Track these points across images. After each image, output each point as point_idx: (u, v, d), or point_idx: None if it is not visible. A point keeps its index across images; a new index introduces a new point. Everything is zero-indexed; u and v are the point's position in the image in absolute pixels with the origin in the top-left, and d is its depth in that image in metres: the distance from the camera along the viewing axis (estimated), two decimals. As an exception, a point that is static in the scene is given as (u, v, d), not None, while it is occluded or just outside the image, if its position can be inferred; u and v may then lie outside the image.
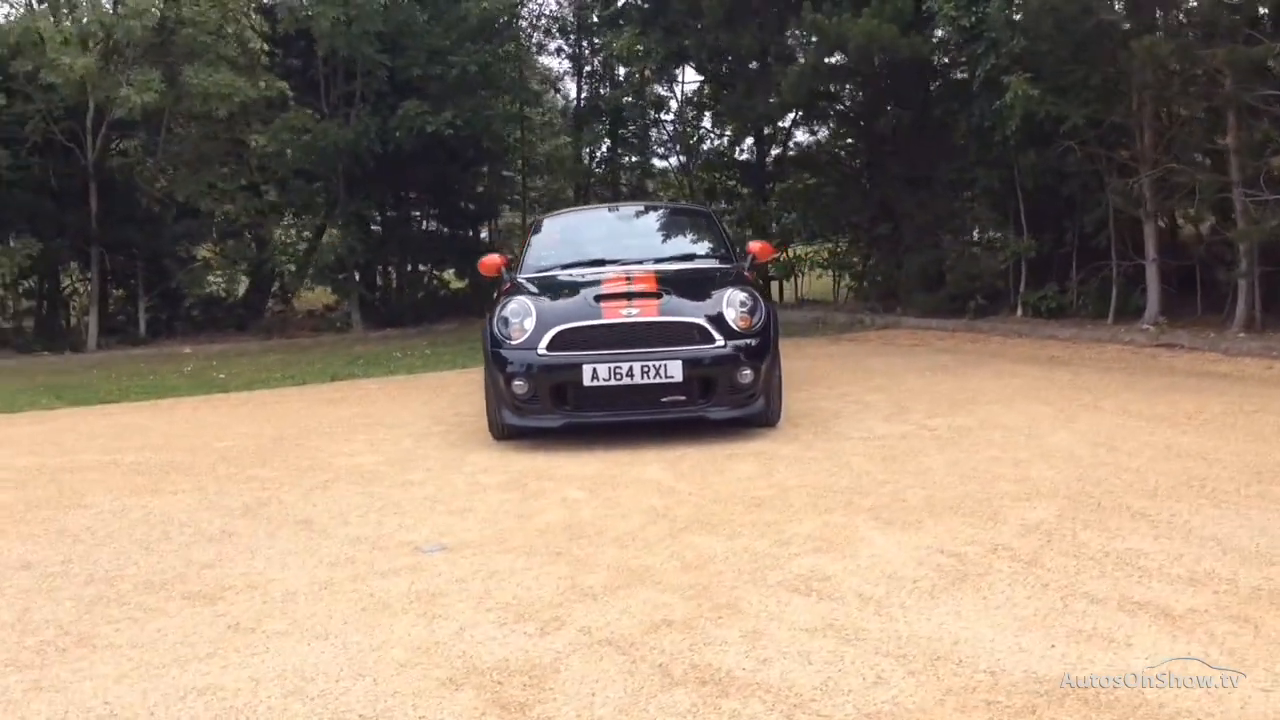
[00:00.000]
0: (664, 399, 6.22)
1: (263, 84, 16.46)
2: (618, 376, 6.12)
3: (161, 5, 13.23)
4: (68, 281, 16.82)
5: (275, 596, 3.88)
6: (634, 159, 19.85)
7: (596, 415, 6.26)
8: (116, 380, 11.36)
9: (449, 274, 19.66)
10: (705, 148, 18.52)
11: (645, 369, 6.12)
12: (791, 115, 16.18)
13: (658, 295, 6.41)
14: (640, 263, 7.19)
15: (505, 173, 18.92)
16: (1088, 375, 8.40)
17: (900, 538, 4.22)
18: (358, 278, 17.70)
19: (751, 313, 6.41)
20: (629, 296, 6.40)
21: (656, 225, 8.06)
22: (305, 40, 15.70)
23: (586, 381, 6.13)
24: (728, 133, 17.93)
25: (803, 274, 16.62)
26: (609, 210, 8.40)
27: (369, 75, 14.94)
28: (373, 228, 17.83)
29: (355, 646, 3.36)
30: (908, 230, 13.97)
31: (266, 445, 6.93)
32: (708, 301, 6.44)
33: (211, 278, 17.19)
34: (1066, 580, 3.64)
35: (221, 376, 11.38)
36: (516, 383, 6.28)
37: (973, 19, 11.18)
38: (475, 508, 5.05)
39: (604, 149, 18.20)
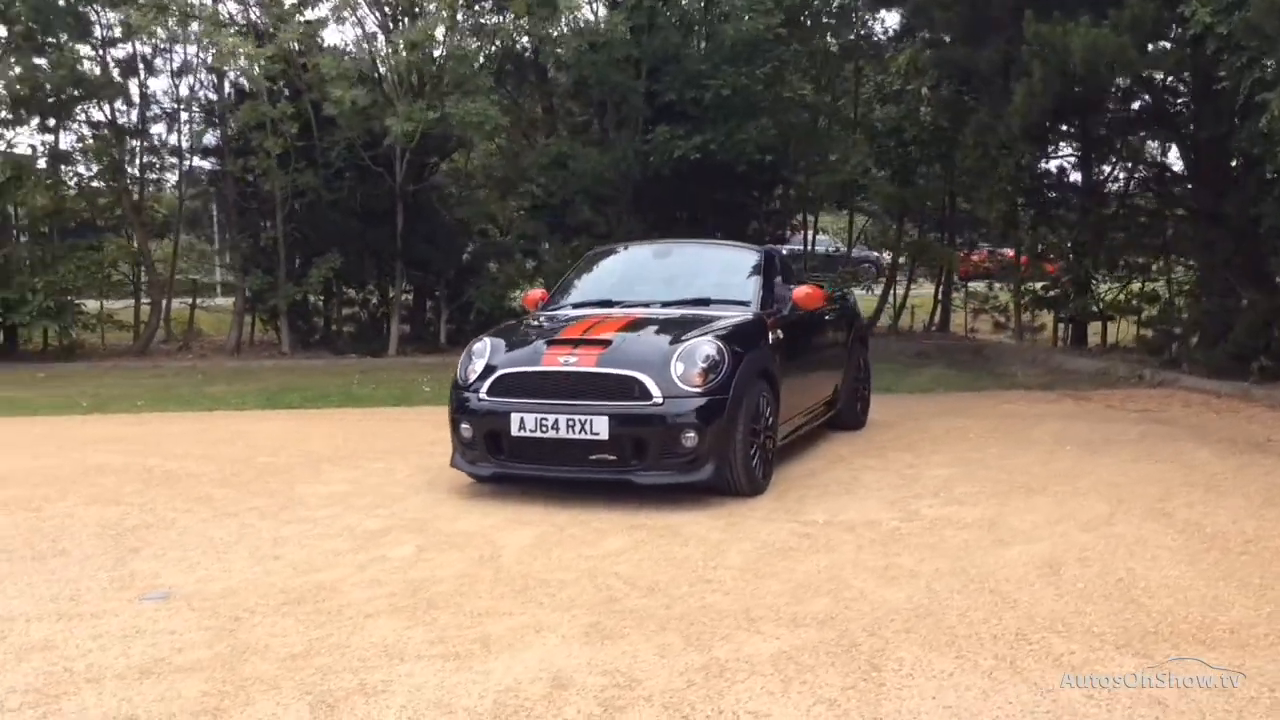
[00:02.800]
0: (593, 457, 5.71)
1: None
2: (543, 429, 5.71)
3: (427, 40, 14.18)
4: (389, 294, 18.47)
5: (-53, 626, 4.00)
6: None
7: (524, 468, 5.89)
8: (345, 386, 12.30)
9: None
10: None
11: (571, 423, 5.66)
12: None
13: (605, 343, 5.89)
14: (647, 305, 6.68)
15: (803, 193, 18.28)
16: (1251, 472, 6.69)
17: (564, 651, 3.60)
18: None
19: (712, 369, 5.72)
20: (575, 344, 5.94)
21: (690, 266, 7.36)
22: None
23: (514, 431, 5.78)
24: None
25: (1094, 314, 14.62)
26: (652, 249, 7.85)
27: (624, 101, 15.09)
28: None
29: (-126, 691, 3.38)
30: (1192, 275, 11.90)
31: (291, 464, 7.17)
32: (663, 352, 5.82)
33: (507, 294, 18.16)
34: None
35: (426, 389, 11.97)
36: (463, 425, 6.07)
37: (1230, 25, 9.28)
38: (288, 556, 4.93)
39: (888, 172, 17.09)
